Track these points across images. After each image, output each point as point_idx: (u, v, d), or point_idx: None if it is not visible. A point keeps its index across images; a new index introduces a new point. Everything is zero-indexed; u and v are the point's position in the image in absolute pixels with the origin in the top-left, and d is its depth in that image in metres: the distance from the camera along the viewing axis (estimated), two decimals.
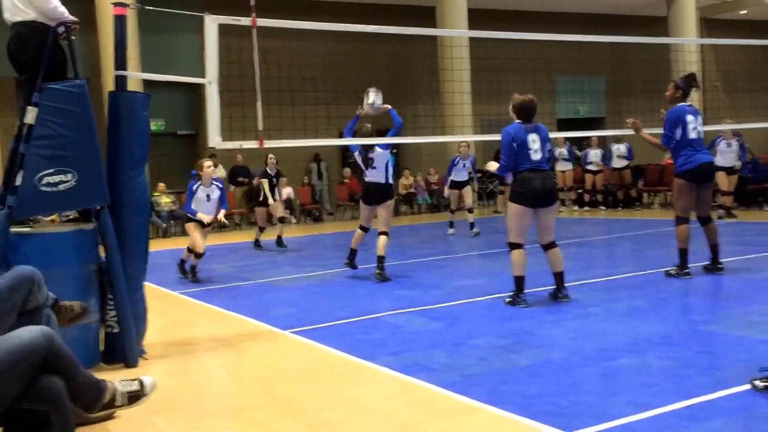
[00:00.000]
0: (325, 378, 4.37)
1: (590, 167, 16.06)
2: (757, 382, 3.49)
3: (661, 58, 19.12)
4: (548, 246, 5.99)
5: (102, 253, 4.81)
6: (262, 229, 11.80)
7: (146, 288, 5.16)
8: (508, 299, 5.91)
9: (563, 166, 16.62)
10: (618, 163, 15.79)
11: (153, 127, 16.78)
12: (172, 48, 16.86)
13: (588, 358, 4.30)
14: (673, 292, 6.19)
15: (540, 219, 5.91)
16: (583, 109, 23.47)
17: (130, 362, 4.71)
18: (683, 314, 5.50)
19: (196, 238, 8.37)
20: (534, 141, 5.80)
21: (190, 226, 8.55)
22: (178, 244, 13.47)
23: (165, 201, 15.43)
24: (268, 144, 6.27)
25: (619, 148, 15.72)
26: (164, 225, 15.12)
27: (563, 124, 22.13)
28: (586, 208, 16.23)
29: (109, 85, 5.03)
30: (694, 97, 19.04)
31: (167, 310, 6.88)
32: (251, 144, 6.07)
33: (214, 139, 5.53)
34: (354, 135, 8.00)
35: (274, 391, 4.15)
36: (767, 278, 6.56)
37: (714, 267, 6.84)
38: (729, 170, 12.24)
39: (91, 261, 4.73)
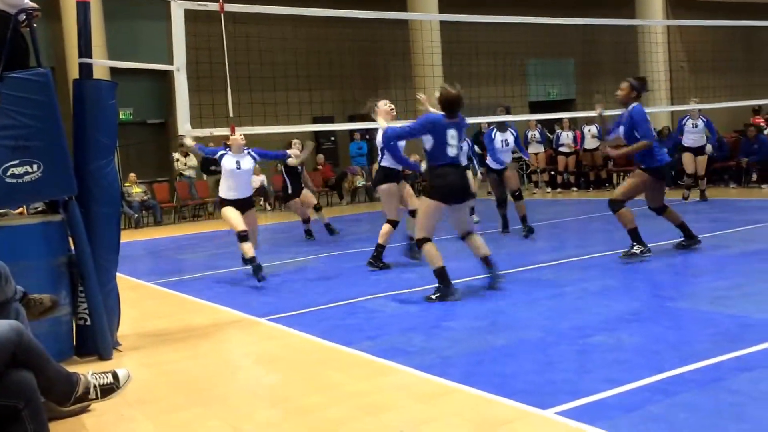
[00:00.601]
0: (302, 364, 4.36)
1: (562, 149, 16.18)
2: None
3: (629, 40, 19.28)
4: (466, 235, 5.86)
5: (72, 245, 4.74)
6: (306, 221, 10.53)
7: (119, 279, 5.10)
8: (435, 294, 5.57)
9: (536, 149, 16.72)
10: (590, 144, 15.92)
11: (122, 116, 16.54)
12: (139, 35, 16.60)
13: (562, 337, 4.34)
14: (643, 270, 6.26)
15: (453, 215, 5.79)
16: (553, 92, 23.59)
17: (103, 354, 4.65)
18: (653, 292, 5.57)
19: (235, 217, 7.20)
20: (452, 137, 5.62)
21: (225, 210, 7.35)
22: (150, 234, 13.37)
23: (136, 191, 15.24)
24: (240, 131, 6.24)
25: (591, 129, 15.85)
26: (136, 215, 14.95)
27: (534, 107, 22.22)
28: (559, 189, 16.36)
29: (74, 73, 4.94)
30: (662, 78, 19.29)
31: (141, 301, 6.81)
32: (222, 131, 6.03)
33: (184, 126, 5.46)
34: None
35: (252, 379, 4.13)
36: (733, 254, 6.66)
37: (691, 242, 6.89)
38: (696, 151, 12.06)
39: (61, 253, 4.66)
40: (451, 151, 5.62)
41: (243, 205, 7.36)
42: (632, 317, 4.70)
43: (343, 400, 3.60)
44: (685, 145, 11.91)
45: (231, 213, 7.25)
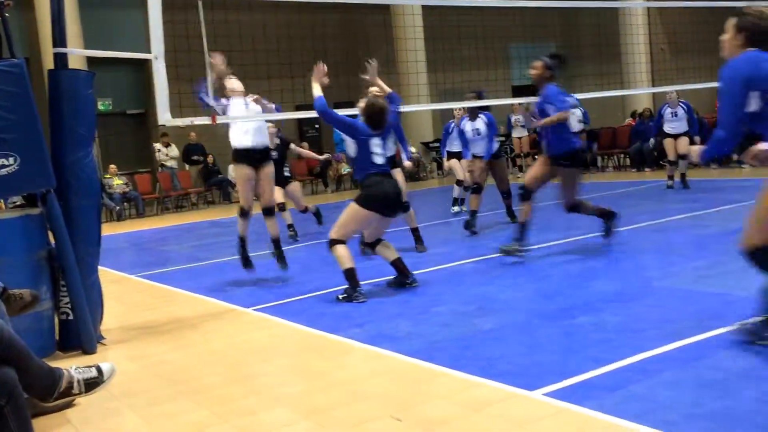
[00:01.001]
0: (290, 353, 4.35)
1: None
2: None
3: (610, 22, 19.29)
4: (377, 242, 5.67)
5: (52, 239, 4.68)
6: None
7: (102, 272, 5.06)
8: (342, 295, 5.42)
9: (520, 133, 16.77)
10: (574, 127, 15.93)
11: (101, 106, 16.35)
12: (116, 24, 16.36)
13: (548, 319, 4.36)
14: (626, 251, 6.29)
15: (382, 223, 5.56)
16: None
17: (87, 349, 4.61)
18: (636, 272, 5.60)
19: (244, 188, 6.45)
20: (377, 146, 5.47)
21: (237, 173, 6.47)
22: (133, 226, 13.26)
23: (117, 183, 15.10)
24: (222, 120, 6.16)
25: (575, 113, 15.86)
26: (117, 207, 14.82)
27: (517, 91, 22.24)
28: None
29: (49, 64, 4.86)
30: (642, 60, 19.33)
31: (125, 294, 6.76)
32: (203, 120, 5.96)
33: (163, 116, 5.39)
34: None
35: (239, 369, 4.12)
36: (712, 234, 6.71)
37: (610, 223, 6.51)
38: (676, 136, 11.85)
39: (40, 247, 4.59)
40: (378, 160, 5.47)
41: (259, 158, 6.43)
42: (615, 297, 4.72)
43: (332, 387, 3.59)
44: (666, 131, 11.89)
45: (241, 180, 6.42)
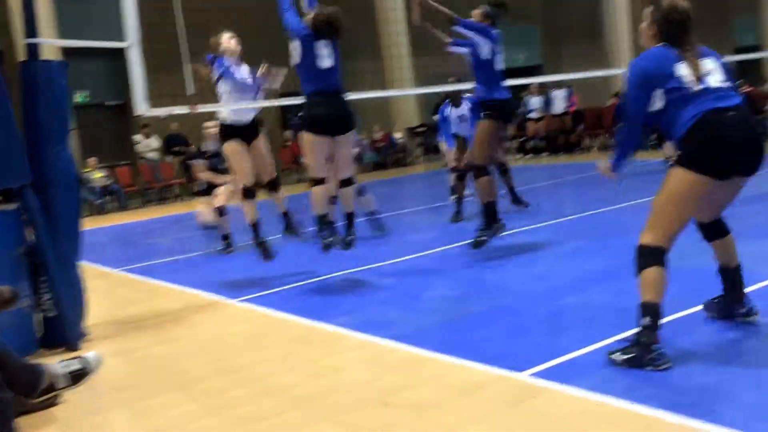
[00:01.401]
0: (277, 343, 4.31)
1: (531, 115, 16.19)
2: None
3: (593, 2, 19.24)
4: (343, 183, 5.35)
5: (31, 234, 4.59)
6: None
7: (84, 267, 4.98)
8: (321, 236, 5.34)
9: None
10: (559, 109, 15.95)
11: (78, 98, 16.06)
12: (90, 13, 16.03)
13: (536, 300, 4.35)
14: (614, 228, 6.29)
15: (335, 150, 5.18)
16: (521, 58, 23.53)
17: (71, 345, 4.54)
18: (621, 251, 5.55)
19: (241, 164, 5.93)
20: (324, 47, 5.08)
21: (231, 149, 5.94)
22: (115, 220, 13.13)
23: (97, 176, 14.91)
24: (203, 108, 6.08)
25: (558, 94, 15.87)
26: (98, 201, 14.64)
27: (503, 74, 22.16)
28: (530, 155, 16.39)
29: (21, 55, 4.77)
30: (625, 38, 19.23)
31: (109, 288, 6.69)
32: (182, 109, 5.88)
33: (141, 106, 5.31)
34: None
35: (226, 360, 4.07)
36: None
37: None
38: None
39: (18, 243, 4.50)
40: (324, 63, 5.06)
41: (249, 133, 6.06)
42: (602, 276, 4.72)
43: (321, 376, 3.56)
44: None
45: (237, 156, 5.92)
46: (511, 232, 6.73)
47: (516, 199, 8.14)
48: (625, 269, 4.80)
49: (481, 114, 5.75)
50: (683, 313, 3.68)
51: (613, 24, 18.79)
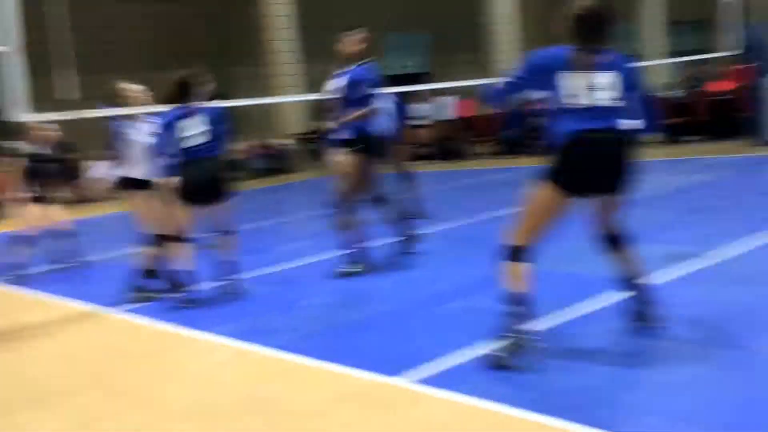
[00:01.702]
0: (155, 354, 4.17)
1: (421, 122, 16.43)
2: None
3: (481, 12, 19.87)
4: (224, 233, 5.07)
5: None
6: None
7: None
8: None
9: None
10: (447, 116, 16.30)
11: None
12: None
13: (418, 306, 4.41)
14: (488, 236, 6.41)
15: (213, 214, 4.98)
16: (410, 64, 23.93)
17: None
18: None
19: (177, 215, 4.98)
20: (187, 128, 4.79)
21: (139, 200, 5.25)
22: None
23: None
24: (83, 114, 5.84)
25: (446, 102, 16.23)
26: None
27: (392, 81, 22.46)
28: (419, 162, 16.62)
29: None
30: (512, 49, 19.85)
31: None
32: (60, 116, 5.63)
33: (16, 111, 5.05)
34: None
35: (100, 373, 3.90)
36: (570, 218, 6.95)
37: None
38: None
39: None
40: (190, 142, 4.75)
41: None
42: (485, 282, 4.82)
43: (198, 387, 3.47)
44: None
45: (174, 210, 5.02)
46: (396, 238, 6.81)
47: (415, 211, 8.12)
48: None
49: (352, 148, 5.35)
50: (562, 318, 3.81)
51: (496, 34, 19.48)
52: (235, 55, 19.08)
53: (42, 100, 6.22)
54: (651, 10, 24.07)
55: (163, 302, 5.17)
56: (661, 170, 9.99)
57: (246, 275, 5.79)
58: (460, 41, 21.55)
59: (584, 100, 3.09)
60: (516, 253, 3.29)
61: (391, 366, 3.35)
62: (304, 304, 4.76)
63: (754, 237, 5.07)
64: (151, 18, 17.28)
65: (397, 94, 14.44)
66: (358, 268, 5.37)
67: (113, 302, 5.35)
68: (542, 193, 3.21)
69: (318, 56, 18.81)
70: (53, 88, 6.53)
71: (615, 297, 4.01)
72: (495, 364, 3.16)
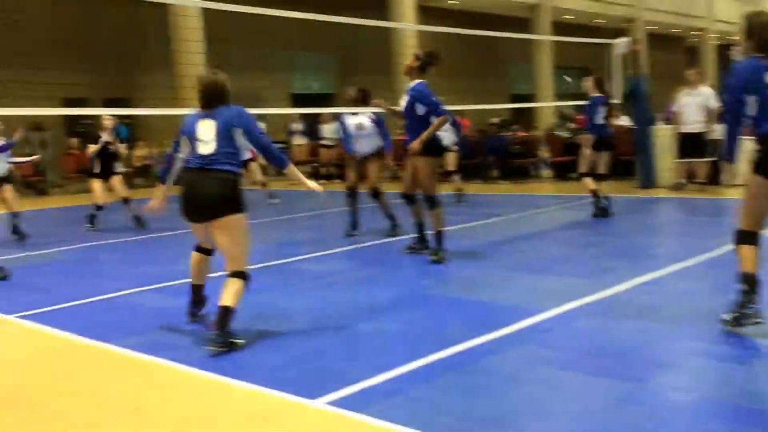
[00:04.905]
0: (56, 366, 4.03)
1: (325, 141, 16.56)
2: None
3: (387, 41, 20.23)
4: (227, 269, 4.31)
5: None
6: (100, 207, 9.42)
7: None
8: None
9: (299, 140, 17.05)
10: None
11: None
12: None
13: (330, 327, 4.45)
14: (402, 260, 6.61)
15: (212, 236, 4.34)
16: (316, 85, 24.06)
17: None
18: (413, 280, 5.91)
19: None
20: (206, 130, 4.24)
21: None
22: None
23: None
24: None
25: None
26: None
27: (298, 100, 22.52)
28: (322, 180, 16.71)
29: None
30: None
31: None
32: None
33: None
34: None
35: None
36: (477, 244, 7.25)
37: (423, 248, 6.62)
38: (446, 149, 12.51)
39: None
40: (203, 149, 4.24)
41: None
42: (394, 305, 4.95)
43: (101, 403, 3.38)
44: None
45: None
46: (302, 257, 6.86)
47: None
48: (415, 299, 5.13)
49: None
50: (468, 344, 3.93)
51: (402, 64, 19.80)
52: (146, 62, 18.60)
53: None
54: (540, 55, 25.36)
55: (73, 309, 4.99)
56: (553, 204, 10.52)
57: (152, 286, 5.69)
58: (364, 62, 21.83)
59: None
60: (743, 237, 3.91)
61: (303, 387, 3.36)
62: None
63: (641, 272, 5.44)
64: (54, 17, 16.62)
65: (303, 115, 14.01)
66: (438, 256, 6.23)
67: (14, 307, 5.10)
68: (751, 182, 3.86)
69: (226, 69, 18.66)
70: None
71: (519, 325, 4.23)
72: (726, 329, 3.88)
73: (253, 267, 6.09)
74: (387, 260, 6.60)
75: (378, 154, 7.96)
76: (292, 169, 4.51)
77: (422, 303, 5.04)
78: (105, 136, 9.27)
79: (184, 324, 4.62)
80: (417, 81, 6.27)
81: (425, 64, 6.30)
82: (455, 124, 11.95)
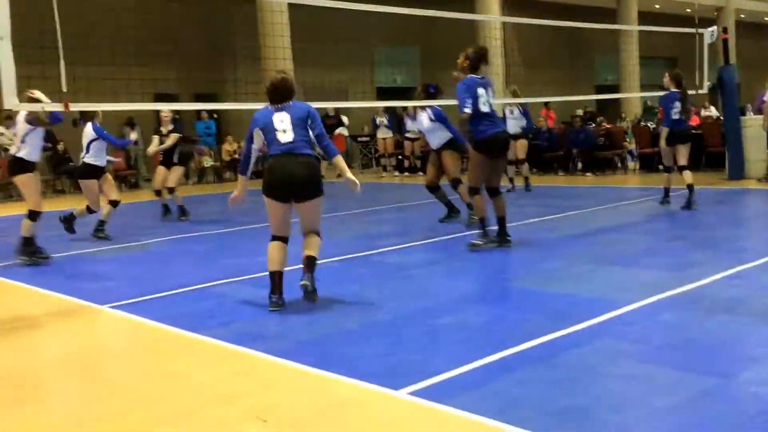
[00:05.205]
0: (147, 354, 4.20)
1: (408, 135, 16.60)
2: None
3: (469, 33, 20.05)
4: (306, 233, 5.04)
5: None
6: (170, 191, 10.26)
7: None
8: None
9: (384, 134, 17.16)
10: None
11: None
12: None
13: (412, 319, 4.47)
14: (486, 253, 6.58)
15: (298, 211, 4.98)
16: (400, 78, 24.12)
17: None
18: (494, 274, 5.88)
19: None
20: (282, 121, 4.87)
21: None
22: None
23: None
24: (75, 107, 5.86)
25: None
26: None
27: (382, 93, 22.65)
28: (406, 173, 16.78)
29: None
30: (498, 71, 20.29)
31: None
32: (55, 107, 5.64)
33: (11, 100, 5.08)
34: None
35: (92, 372, 3.92)
36: (562, 237, 7.17)
37: (503, 240, 6.66)
38: (515, 137, 12.30)
39: None
40: (283, 137, 4.86)
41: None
42: (476, 298, 4.94)
43: (193, 390, 3.51)
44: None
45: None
46: (386, 249, 6.93)
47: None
48: (497, 292, 5.11)
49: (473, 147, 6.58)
50: (550, 337, 3.90)
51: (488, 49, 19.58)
52: (232, 56, 19.14)
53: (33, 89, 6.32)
54: (627, 45, 24.56)
55: (163, 300, 5.21)
56: (639, 197, 10.21)
57: (239, 278, 5.88)
58: (447, 55, 21.73)
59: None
60: None
61: (386, 378, 3.39)
62: (298, 311, 4.79)
63: (728, 265, 5.24)
64: (144, 13, 17.27)
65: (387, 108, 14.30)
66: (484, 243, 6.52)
67: (107, 298, 5.38)
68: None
69: (314, 65, 18.99)
70: (43, 78, 6.56)
71: (602, 318, 4.15)
72: None
73: (338, 258, 6.29)
74: (468, 254, 6.57)
75: (450, 145, 8.10)
76: (339, 159, 5.14)
77: (504, 296, 5.01)
78: (163, 129, 10.01)
79: (269, 314, 4.75)
80: (466, 76, 6.54)
81: (475, 61, 6.58)
82: (526, 113, 11.97)
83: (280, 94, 4.95)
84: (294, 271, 5.12)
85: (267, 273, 4.89)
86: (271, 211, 4.94)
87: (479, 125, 6.43)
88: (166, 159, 10.14)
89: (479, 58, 6.59)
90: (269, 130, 4.90)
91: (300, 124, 4.89)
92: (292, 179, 4.83)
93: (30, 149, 6.83)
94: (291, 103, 4.97)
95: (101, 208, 8.46)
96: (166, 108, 10.43)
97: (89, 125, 8.18)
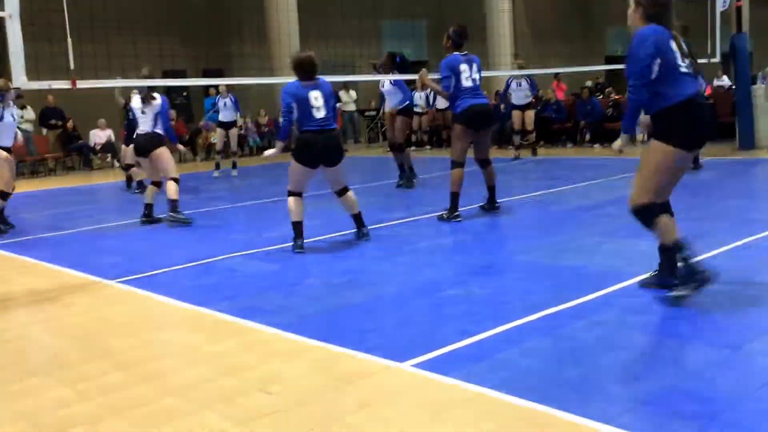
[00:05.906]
0: (155, 327, 4.25)
1: (416, 109, 16.52)
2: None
3: (478, 6, 19.88)
4: (340, 192, 5.99)
5: None
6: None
7: None
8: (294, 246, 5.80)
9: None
10: (441, 104, 16.35)
11: None
12: None
13: (418, 292, 4.49)
14: (492, 225, 6.59)
15: (325, 174, 5.89)
16: (407, 52, 23.90)
17: None
18: (500, 246, 5.88)
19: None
20: (316, 98, 5.67)
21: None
22: None
23: None
24: (82, 84, 5.85)
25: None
26: None
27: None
28: (413, 148, 16.72)
29: None
30: (506, 43, 20.09)
31: None
32: (62, 84, 5.64)
33: (19, 78, 5.07)
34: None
35: (101, 344, 3.96)
36: (569, 210, 7.14)
37: (491, 207, 7.05)
38: (523, 108, 12.70)
39: None
40: (317, 114, 5.65)
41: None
42: (482, 270, 4.94)
43: (200, 362, 3.54)
44: (514, 103, 12.66)
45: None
46: (393, 222, 6.93)
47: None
48: (503, 265, 5.11)
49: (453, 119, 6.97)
50: (556, 309, 3.91)
51: (494, 28, 19.46)
52: (238, 33, 19.03)
53: (39, 69, 6.30)
54: None
55: (169, 274, 5.25)
56: None
57: (244, 252, 5.91)
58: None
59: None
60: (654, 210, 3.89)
61: (391, 350, 3.41)
62: (305, 285, 4.83)
63: (739, 236, 5.22)
64: None
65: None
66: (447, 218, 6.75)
67: (116, 272, 5.43)
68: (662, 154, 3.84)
69: (318, 40, 18.86)
70: (52, 56, 6.56)
71: (608, 290, 4.15)
72: None
73: (345, 232, 6.30)
74: (473, 226, 6.57)
75: (404, 110, 9.53)
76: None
77: (510, 268, 5.01)
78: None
79: (275, 289, 4.78)
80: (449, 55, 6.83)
81: (457, 39, 6.86)
82: (533, 85, 12.18)
83: (311, 72, 5.68)
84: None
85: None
86: (298, 174, 5.76)
87: (460, 99, 6.70)
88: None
89: (460, 36, 6.87)
90: (304, 106, 5.62)
91: (329, 101, 5.71)
92: (328, 151, 5.70)
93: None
94: (319, 81, 5.72)
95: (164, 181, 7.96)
96: (174, 84, 10.44)
97: (160, 98, 7.94)
